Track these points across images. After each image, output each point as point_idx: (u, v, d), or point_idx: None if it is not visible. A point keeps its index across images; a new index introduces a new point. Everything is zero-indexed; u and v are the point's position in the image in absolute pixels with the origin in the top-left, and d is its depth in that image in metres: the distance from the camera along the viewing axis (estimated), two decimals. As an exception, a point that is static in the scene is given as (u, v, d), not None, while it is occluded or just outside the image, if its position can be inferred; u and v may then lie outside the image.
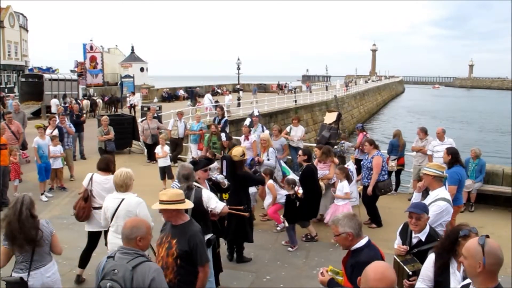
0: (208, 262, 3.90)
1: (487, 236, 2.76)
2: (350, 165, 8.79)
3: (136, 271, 3.02)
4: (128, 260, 3.07)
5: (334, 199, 8.04)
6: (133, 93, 31.86)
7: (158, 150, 11.27)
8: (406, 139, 11.42)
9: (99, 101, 29.77)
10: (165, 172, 10.97)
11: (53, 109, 24.53)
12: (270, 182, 8.03)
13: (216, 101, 28.72)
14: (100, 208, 5.72)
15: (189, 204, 4.05)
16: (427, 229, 4.14)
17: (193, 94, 36.98)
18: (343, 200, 7.77)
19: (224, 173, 6.79)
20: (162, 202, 3.87)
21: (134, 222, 3.34)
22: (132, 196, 4.89)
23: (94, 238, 6.04)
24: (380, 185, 8.27)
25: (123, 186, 4.86)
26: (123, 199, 4.83)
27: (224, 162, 6.87)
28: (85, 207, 5.85)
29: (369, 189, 8.21)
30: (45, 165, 10.15)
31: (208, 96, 27.74)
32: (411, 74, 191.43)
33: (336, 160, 8.74)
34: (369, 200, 8.47)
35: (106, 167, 6.01)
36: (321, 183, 8.17)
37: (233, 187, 6.53)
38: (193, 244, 3.77)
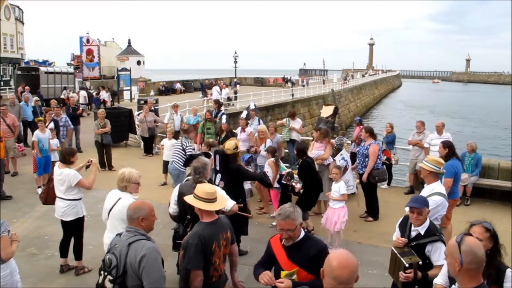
0: (193, 270, 3.64)
1: (470, 234, 2.72)
2: (344, 153, 8.77)
3: (131, 247, 3.22)
4: (128, 237, 3.30)
5: (328, 186, 7.76)
6: (103, 88, 30.55)
7: (164, 142, 11.21)
8: (400, 133, 11.46)
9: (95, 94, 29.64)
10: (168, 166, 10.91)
11: (81, 100, 26.70)
12: (271, 160, 8.02)
13: (227, 94, 28.94)
14: (59, 198, 5.94)
15: (212, 206, 3.81)
16: (427, 223, 4.11)
17: (203, 86, 37.65)
18: (339, 202, 7.24)
19: (218, 167, 6.76)
20: (194, 196, 3.84)
21: (138, 204, 3.53)
22: (128, 197, 4.62)
23: (64, 227, 6.06)
24: (375, 173, 8.27)
25: (122, 185, 4.63)
26: (120, 198, 4.62)
27: (217, 157, 6.82)
28: (45, 190, 6.36)
29: (364, 176, 8.24)
30: (45, 159, 10.05)
31: (216, 88, 28.05)
32: (408, 68, 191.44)
33: (333, 142, 8.75)
34: (369, 191, 8.47)
35: (63, 159, 6.01)
36: (315, 163, 8.14)
37: (227, 181, 6.49)
38: (187, 243, 3.69)
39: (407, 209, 4.15)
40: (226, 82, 43.26)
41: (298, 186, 7.52)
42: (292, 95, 34.30)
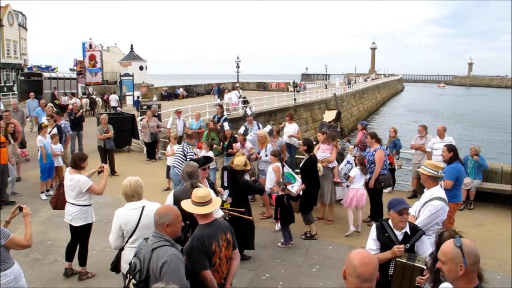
0: (200, 272, 3.65)
1: (460, 236, 2.71)
2: (349, 158, 8.79)
3: (154, 252, 3.26)
4: (153, 242, 3.34)
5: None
6: (73, 95, 28.22)
7: (168, 148, 11.26)
8: (403, 137, 11.42)
9: (98, 99, 29.78)
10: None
11: (112, 103, 28.60)
12: (276, 164, 8.03)
13: (244, 97, 29.08)
14: (70, 203, 5.93)
15: (202, 209, 3.82)
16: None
17: (219, 91, 38.06)
18: (360, 182, 7.98)
19: (225, 183, 6.80)
20: (193, 202, 3.88)
21: (164, 209, 3.56)
22: (148, 202, 4.45)
23: (72, 232, 6.09)
24: (381, 178, 8.26)
25: (134, 195, 4.37)
26: (143, 207, 4.33)
27: (225, 173, 6.86)
28: (56, 195, 6.32)
29: (371, 182, 8.20)
30: (49, 164, 10.11)
31: (235, 92, 28.37)
32: (410, 73, 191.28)
33: (339, 146, 8.78)
34: (374, 196, 8.47)
35: (74, 164, 6.01)
36: (320, 165, 8.16)
37: (234, 197, 6.54)
38: (187, 247, 3.70)
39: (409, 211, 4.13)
40: (228, 87, 43.40)
41: (298, 188, 7.56)
42: (295, 99, 34.33)
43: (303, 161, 7.92)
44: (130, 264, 3.36)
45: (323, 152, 8.41)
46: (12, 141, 10.09)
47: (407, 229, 4.12)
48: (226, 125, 10.78)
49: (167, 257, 3.19)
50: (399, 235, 4.13)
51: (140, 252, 3.32)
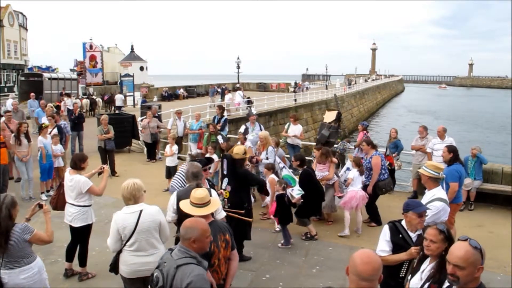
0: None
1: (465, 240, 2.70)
2: (348, 164, 8.74)
3: (179, 270, 3.06)
4: (179, 257, 3.13)
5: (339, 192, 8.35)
6: (68, 95, 26.61)
7: (167, 149, 11.28)
8: (404, 138, 11.40)
9: (98, 100, 29.77)
10: (171, 172, 10.93)
11: (118, 103, 28.76)
12: (271, 176, 8.01)
13: (248, 97, 29.07)
14: (69, 204, 5.94)
15: (200, 211, 3.81)
16: None
17: (223, 91, 37.93)
18: (359, 184, 7.98)
19: (225, 172, 6.79)
20: (191, 203, 3.86)
21: (190, 222, 3.30)
22: (146, 205, 4.40)
23: (72, 232, 6.10)
24: (381, 184, 8.27)
25: (131, 199, 4.32)
26: (141, 211, 4.29)
27: (225, 161, 6.85)
28: (56, 196, 6.33)
29: (369, 189, 8.20)
30: (49, 165, 10.12)
31: (239, 92, 28.28)
32: (410, 73, 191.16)
33: (335, 160, 8.70)
34: (369, 199, 8.48)
35: (74, 165, 6.01)
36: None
37: (234, 185, 6.52)
38: None
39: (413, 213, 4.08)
40: (228, 88, 43.35)
41: (296, 197, 7.54)
42: (295, 100, 34.29)
43: (299, 176, 7.95)
44: (152, 276, 3.21)
45: (320, 171, 8.35)
46: (26, 141, 10.01)
47: (420, 231, 4.06)
48: (220, 139, 10.77)
49: (193, 277, 3.02)
50: (413, 236, 4.08)
51: (164, 266, 3.14)
